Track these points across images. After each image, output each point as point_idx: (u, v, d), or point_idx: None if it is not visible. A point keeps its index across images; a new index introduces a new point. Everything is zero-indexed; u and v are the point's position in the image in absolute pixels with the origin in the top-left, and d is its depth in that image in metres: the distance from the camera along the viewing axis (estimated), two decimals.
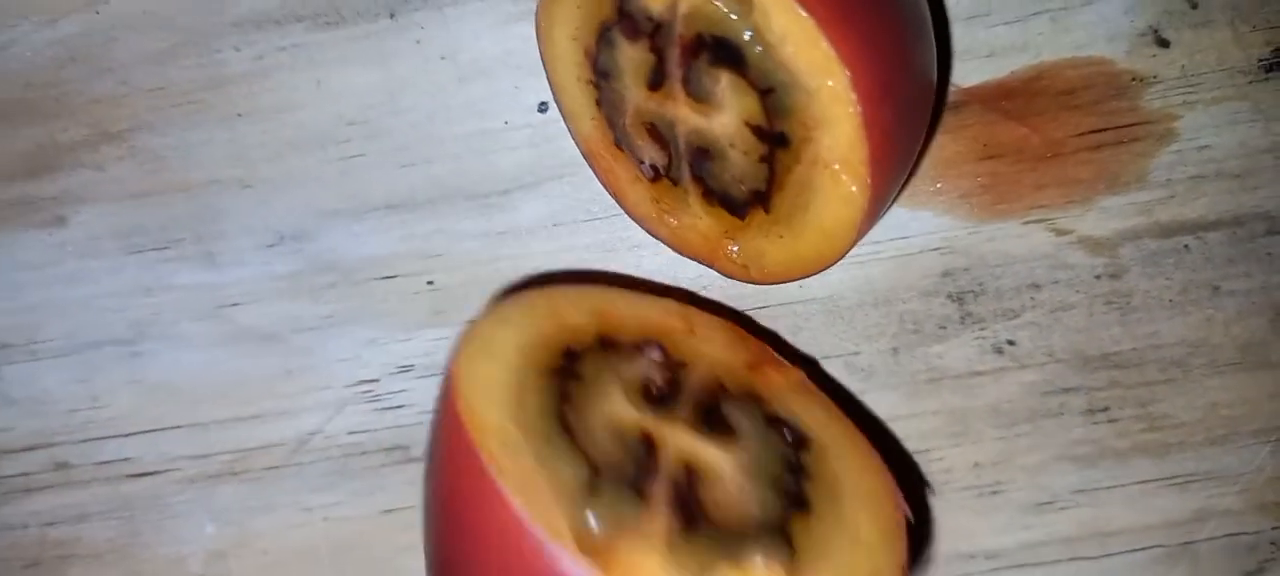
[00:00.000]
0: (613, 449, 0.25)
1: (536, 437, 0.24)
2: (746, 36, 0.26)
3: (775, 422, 0.26)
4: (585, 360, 0.26)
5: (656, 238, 0.32)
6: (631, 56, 0.28)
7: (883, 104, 0.26)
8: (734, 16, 0.26)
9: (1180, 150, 0.33)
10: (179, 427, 0.34)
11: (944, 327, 0.33)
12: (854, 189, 0.27)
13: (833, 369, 0.33)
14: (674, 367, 0.27)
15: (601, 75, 0.29)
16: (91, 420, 0.34)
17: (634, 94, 0.29)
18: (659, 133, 0.29)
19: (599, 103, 0.30)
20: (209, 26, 0.34)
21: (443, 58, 0.34)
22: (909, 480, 0.33)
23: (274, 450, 0.34)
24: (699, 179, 0.30)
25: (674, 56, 0.27)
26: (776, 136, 0.27)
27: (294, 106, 0.34)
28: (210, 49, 0.34)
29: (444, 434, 0.24)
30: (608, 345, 0.27)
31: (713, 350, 0.28)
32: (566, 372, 0.26)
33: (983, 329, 0.33)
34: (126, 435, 0.35)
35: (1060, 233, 0.33)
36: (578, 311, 0.27)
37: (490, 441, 0.23)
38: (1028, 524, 0.32)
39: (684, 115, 0.28)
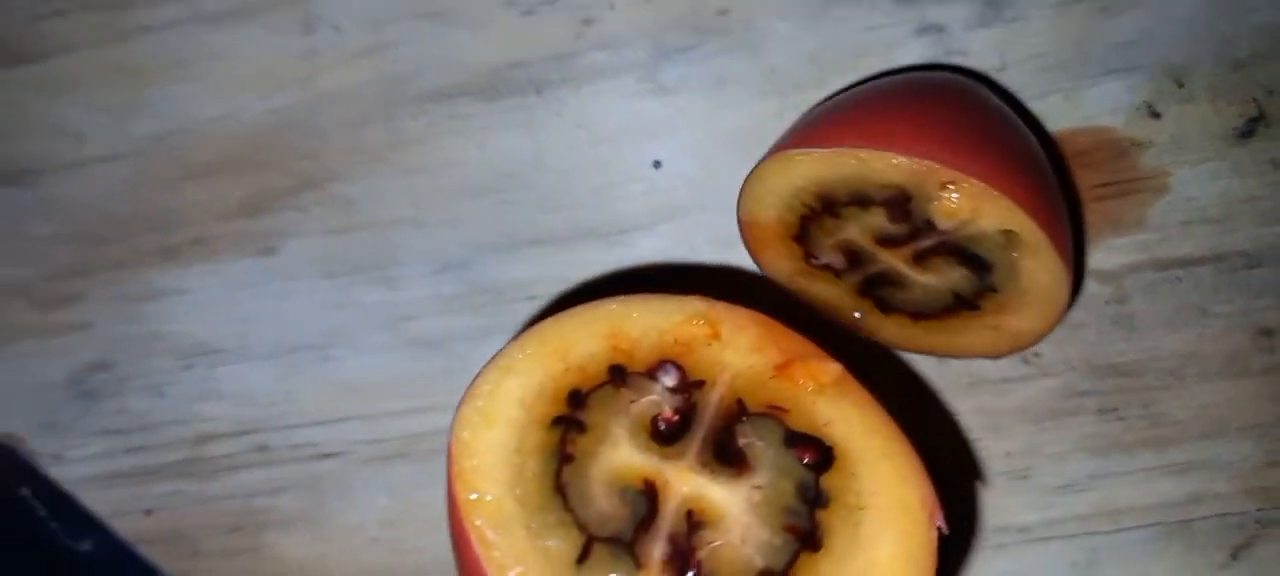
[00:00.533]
0: (611, 507, 0.25)
1: (531, 508, 0.24)
2: (1005, 260, 0.31)
3: (796, 442, 0.26)
4: (592, 402, 0.26)
5: (776, 282, 0.37)
6: (876, 221, 0.32)
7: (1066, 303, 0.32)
8: (1010, 252, 0.31)
9: (1172, 200, 0.38)
10: (359, 417, 0.41)
11: None
12: (1007, 346, 0.34)
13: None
14: (689, 389, 0.26)
15: (827, 209, 0.32)
16: (288, 411, 0.41)
17: (855, 233, 0.33)
18: (853, 253, 0.34)
19: (804, 216, 0.33)
20: (393, 100, 0.42)
21: (578, 126, 0.41)
22: (959, 471, 0.37)
23: (436, 436, 0.40)
24: (867, 283, 0.34)
25: (927, 242, 0.32)
26: (970, 304, 0.33)
27: (459, 163, 0.42)
28: (394, 117, 0.42)
29: (448, 497, 0.25)
30: (619, 375, 0.26)
31: (737, 355, 0.27)
32: (570, 422, 0.25)
33: None
34: (316, 423, 0.41)
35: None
36: (590, 336, 0.26)
37: (481, 519, 0.23)
38: (1051, 503, 0.38)
39: (896, 264, 0.33)
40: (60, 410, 0.41)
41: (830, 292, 0.36)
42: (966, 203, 0.30)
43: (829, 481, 0.25)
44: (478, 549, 0.23)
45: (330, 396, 0.41)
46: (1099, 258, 0.38)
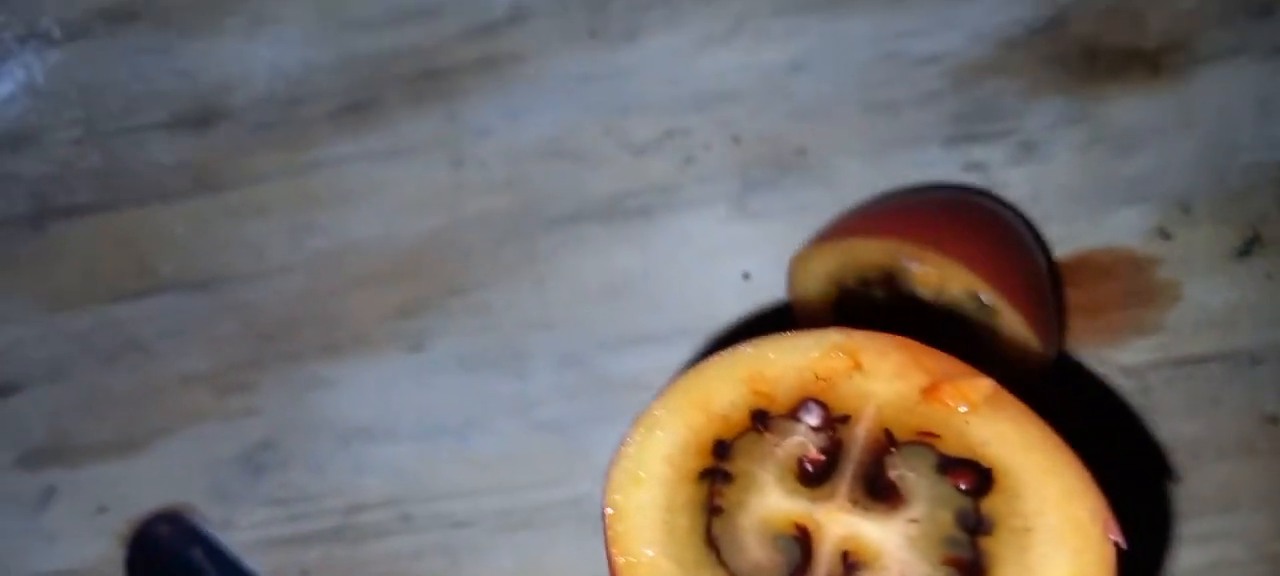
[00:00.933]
0: (765, 556, 0.24)
1: (686, 565, 0.24)
2: (981, 320, 0.37)
3: (950, 467, 0.25)
4: (737, 450, 0.26)
5: None
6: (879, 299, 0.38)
7: (1051, 352, 0.39)
8: (980, 313, 0.37)
9: (1184, 308, 0.45)
10: (491, 491, 0.47)
11: None
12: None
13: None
14: (834, 426, 0.26)
15: (845, 296, 0.39)
16: (429, 485, 0.47)
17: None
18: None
19: (835, 304, 0.40)
20: (527, 222, 0.49)
21: (680, 244, 0.48)
22: (1149, 478, 0.43)
23: (558, 507, 0.47)
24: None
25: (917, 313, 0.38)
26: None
27: (580, 275, 0.48)
28: (527, 237, 0.49)
29: (608, 562, 0.25)
30: (761, 420, 0.26)
31: (881, 384, 0.26)
32: (717, 473, 0.25)
33: None
34: (454, 496, 0.47)
35: (1103, 363, 0.45)
36: (729, 384, 0.26)
37: None
38: None
39: None
40: (231, 483, 0.49)
41: None
42: (934, 273, 0.38)
43: (991, 505, 0.24)
44: None
45: (466, 473, 0.47)
46: (1125, 355, 0.45)
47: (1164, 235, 0.46)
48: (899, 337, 0.26)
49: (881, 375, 0.26)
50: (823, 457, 0.25)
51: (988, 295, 0.38)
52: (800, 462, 0.25)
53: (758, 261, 0.47)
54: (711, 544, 0.24)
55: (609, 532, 0.24)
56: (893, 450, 0.25)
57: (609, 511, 0.24)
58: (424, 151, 0.51)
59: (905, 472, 0.25)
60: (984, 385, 0.25)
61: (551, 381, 0.48)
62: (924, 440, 0.25)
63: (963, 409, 0.25)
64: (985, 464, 0.24)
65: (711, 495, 0.25)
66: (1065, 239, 0.46)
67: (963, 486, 0.24)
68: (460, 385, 0.48)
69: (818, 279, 0.40)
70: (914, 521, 0.24)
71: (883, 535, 0.24)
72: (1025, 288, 0.39)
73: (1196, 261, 0.45)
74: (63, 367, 0.50)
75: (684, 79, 0.50)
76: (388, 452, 0.48)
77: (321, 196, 0.51)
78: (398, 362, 0.49)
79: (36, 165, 0.53)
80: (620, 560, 0.24)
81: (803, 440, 0.26)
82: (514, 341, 0.48)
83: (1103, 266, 0.46)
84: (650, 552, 0.24)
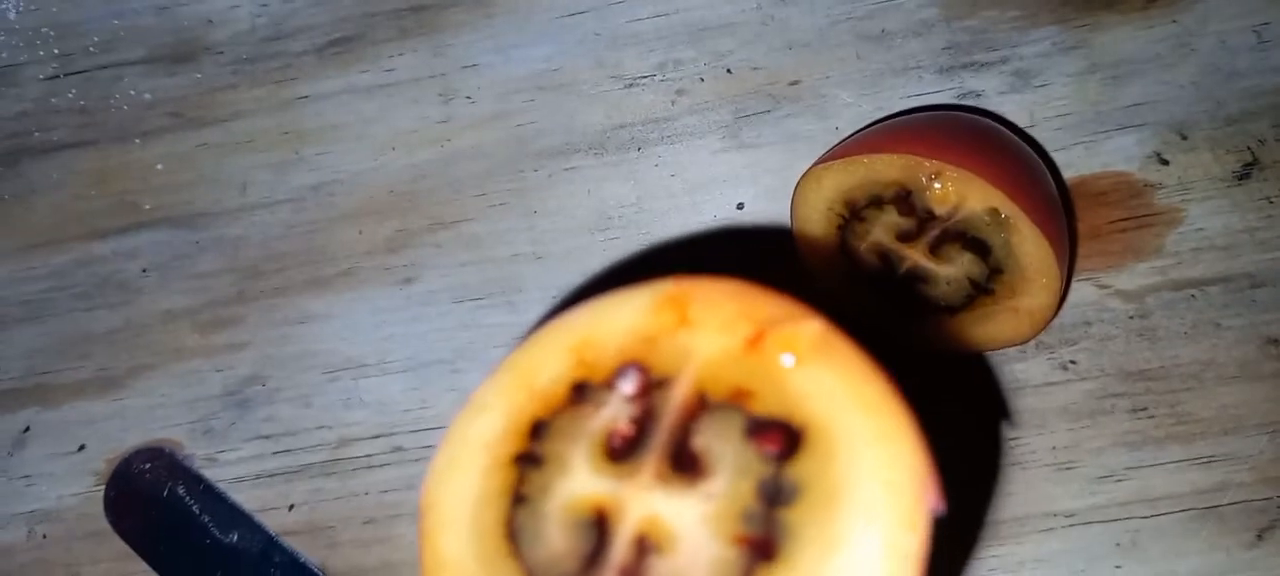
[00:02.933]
0: (561, 546, 0.23)
1: (485, 558, 0.23)
2: (998, 239, 0.37)
3: (758, 430, 0.23)
4: (552, 430, 0.24)
5: (835, 300, 0.42)
6: (891, 220, 0.39)
7: (1065, 281, 0.38)
8: (999, 230, 0.37)
9: (1184, 232, 0.44)
10: None
11: (1024, 353, 0.44)
12: (1028, 329, 0.39)
13: (943, 382, 0.45)
14: (650, 392, 0.24)
15: (856, 216, 0.39)
16: (421, 416, 0.46)
17: (880, 235, 0.39)
18: (886, 256, 0.40)
19: (840, 227, 0.40)
20: (516, 156, 0.49)
21: (672, 176, 0.48)
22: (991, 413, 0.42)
23: None
24: (903, 285, 0.40)
25: (933, 232, 0.38)
26: (986, 288, 0.39)
27: (572, 207, 0.48)
28: (517, 170, 0.49)
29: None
30: (581, 393, 0.24)
31: (706, 338, 0.24)
32: (527, 458, 0.24)
33: (1052, 353, 0.44)
34: (445, 427, 0.47)
35: (1102, 287, 0.44)
36: (556, 355, 0.24)
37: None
38: (1094, 491, 0.42)
39: (920, 259, 0.39)
40: (215, 418, 0.47)
41: (878, 306, 0.41)
42: (952, 188, 0.37)
43: (799, 470, 0.22)
44: None
45: (458, 403, 0.44)
46: (1123, 280, 0.44)
47: (1161, 161, 0.45)
48: (736, 283, 0.24)
49: (706, 328, 0.24)
50: (633, 430, 0.23)
51: (1008, 211, 0.37)
52: (610, 437, 0.24)
53: (751, 192, 0.47)
54: (512, 536, 0.23)
55: (419, 526, 0.23)
56: (704, 414, 0.23)
57: (422, 501, 0.23)
58: (412, 86, 0.50)
59: (711, 441, 0.23)
60: (812, 328, 0.23)
61: (542, 313, 0.46)
62: (736, 402, 0.23)
63: (788, 359, 0.23)
64: (798, 422, 0.22)
65: (519, 482, 0.23)
66: (1063, 166, 0.46)
67: (770, 450, 0.22)
68: (451, 317, 0.46)
69: (827, 198, 0.39)
70: (712, 496, 0.22)
71: (680, 512, 0.22)
72: (1044, 205, 0.38)
73: (1195, 186, 0.45)
74: (40, 306, 0.49)
75: (676, 11, 0.49)
76: (378, 385, 0.46)
77: (307, 132, 0.50)
78: (387, 295, 0.48)
79: (11, 104, 0.52)
80: (425, 555, 0.22)
81: (615, 413, 0.24)
82: (505, 274, 0.47)
83: (1100, 192, 0.45)
84: (452, 549, 0.23)
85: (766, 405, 0.23)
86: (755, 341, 0.23)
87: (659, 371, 0.24)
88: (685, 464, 0.23)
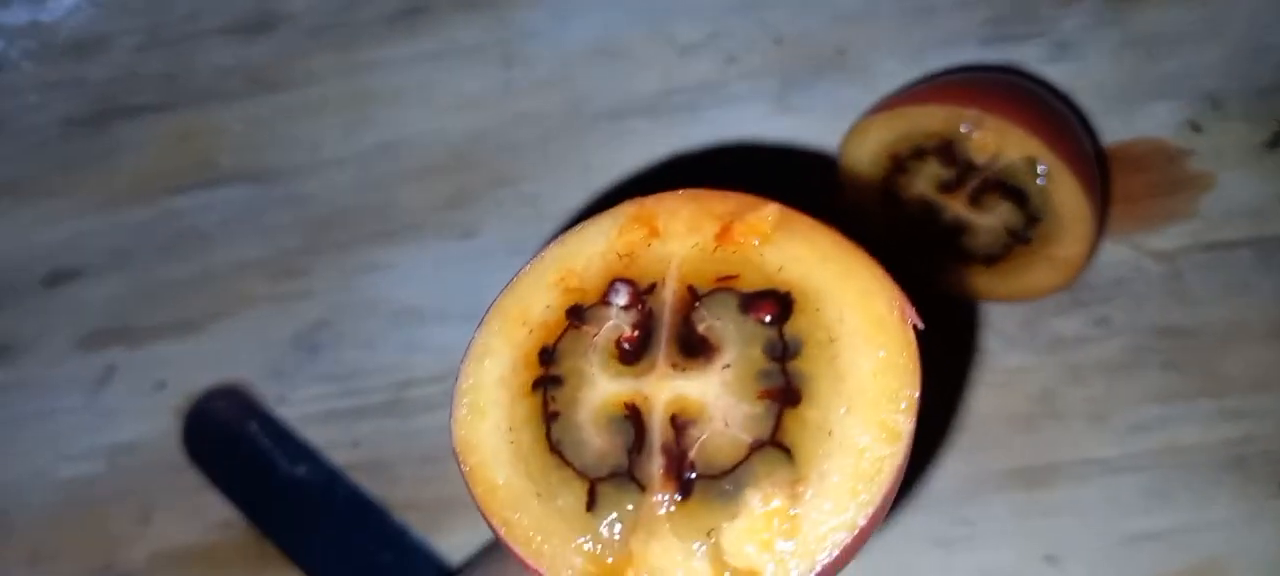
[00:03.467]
0: (605, 444, 0.24)
1: (536, 477, 0.24)
2: (1035, 188, 0.38)
3: (750, 303, 0.25)
4: (560, 352, 0.26)
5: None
6: (933, 171, 0.40)
7: (1099, 230, 0.40)
8: (1035, 179, 0.38)
9: (1216, 196, 0.45)
10: None
11: (1061, 308, 0.45)
12: (1064, 276, 0.41)
13: (982, 335, 0.46)
14: (643, 298, 0.26)
15: (899, 168, 0.41)
16: None
17: (923, 186, 0.41)
18: (929, 207, 0.41)
19: (885, 178, 0.41)
20: (574, 118, 0.51)
21: (723, 138, 0.51)
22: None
23: None
24: (945, 235, 0.42)
25: (974, 182, 0.40)
26: (1023, 237, 0.41)
27: (627, 168, 0.50)
28: (574, 132, 0.51)
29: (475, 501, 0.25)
30: (577, 314, 0.26)
31: (677, 243, 0.26)
32: (547, 380, 0.25)
33: (1088, 309, 0.45)
34: None
35: (1137, 248, 0.45)
36: (541, 290, 0.27)
37: (498, 507, 0.24)
38: (1126, 441, 0.43)
39: (960, 209, 0.41)
40: (285, 361, 0.50)
41: (922, 256, 0.43)
42: (992, 138, 0.39)
43: (796, 327, 0.24)
44: (504, 534, 0.24)
45: None
46: (1156, 241, 0.45)
47: (1195, 128, 0.46)
48: (685, 191, 0.26)
49: (676, 234, 0.26)
50: (637, 333, 0.25)
51: (1046, 160, 0.39)
52: (618, 344, 0.25)
53: (798, 157, 0.48)
54: (555, 449, 0.24)
55: (463, 470, 0.24)
56: (697, 304, 0.25)
57: (457, 448, 0.24)
58: (474, 52, 0.52)
59: (712, 322, 0.25)
60: (769, 211, 0.25)
61: None
62: (724, 285, 0.25)
63: (755, 242, 0.25)
64: (784, 288, 0.25)
65: (546, 403, 0.25)
66: (1101, 133, 0.47)
67: (766, 318, 0.25)
68: (509, 269, 0.47)
69: (872, 151, 0.41)
70: (727, 366, 0.24)
71: (703, 388, 0.24)
72: (1079, 156, 0.39)
73: (1227, 153, 0.46)
74: (124, 256, 0.52)
75: None
76: (438, 332, 0.48)
77: (375, 95, 0.52)
78: (448, 248, 0.50)
79: (101, 70, 0.55)
80: (478, 492, 0.24)
81: (616, 322, 0.26)
82: (559, 228, 0.49)
83: (1136, 158, 0.47)
84: (502, 478, 0.24)
85: (751, 282, 0.25)
86: (723, 234, 0.26)
87: (645, 279, 0.26)
88: (694, 348, 0.25)
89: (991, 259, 0.41)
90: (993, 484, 0.43)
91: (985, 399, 0.43)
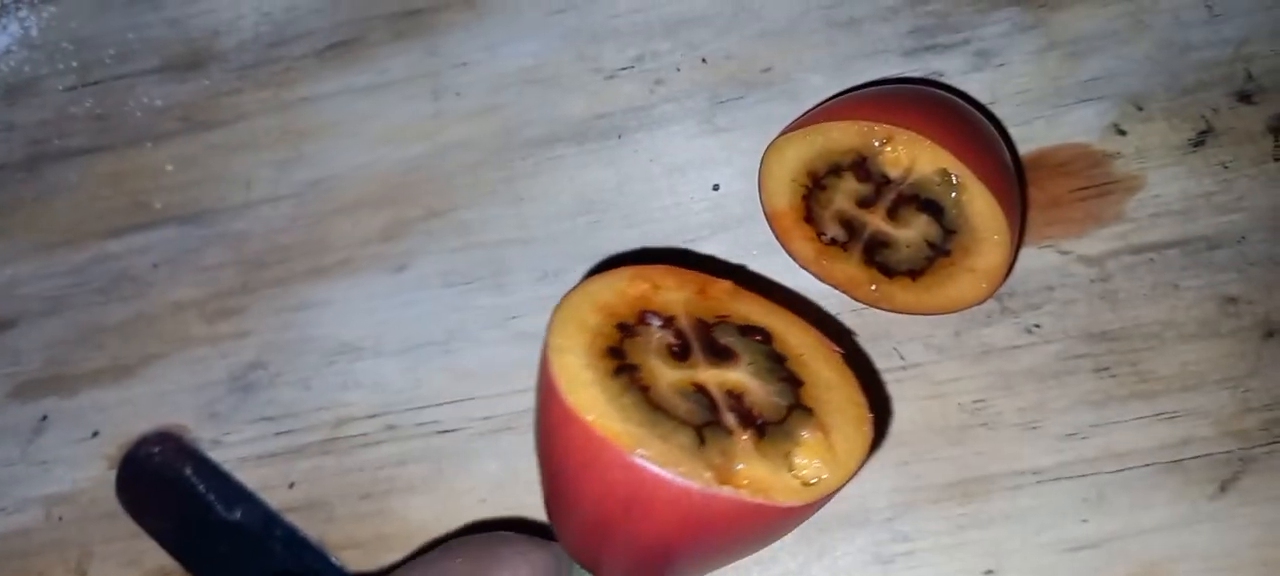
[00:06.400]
0: (689, 406, 0.30)
1: (649, 425, 0.29)
2: (950, 200, 0.37)
3: (746, 330, 0.32)
4: (626, 351, 0.31)
5: (807, 271, 0.43)
6: (851, 187, 0.39)
7: (1017, 239, 0.38)
8: (950, 191, 0.37)
9: (1142, 198, 0.44)
10: (474, 399, 0.46)
11: (990, 317, 0.43)
12: (985, 287, 0.39)
13: (912, 347, 0.44)
14: (670, 323, 0.32)
15: (818, 186, 0.40)
16: (414, 396, 0.46)
17: (841, 203, 0.40)
18: (849, 224, 0.40)
19: (805, 196, 0.40)
20: (504, 146, 0.49)
21: (651, 160, 0.48)
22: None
23: None
24: (867, 252, 0.40)
25: (890, 196, 0.39)
26: (943, 249, 0.39)
27: (556, 193, 0.48)
28: (504, 160, 0.49)
29: (590, 450, 0.28)
30: (627, 330, 0.32)
31: (675, 295, 0.33)
32: (626, 367, 0.30)
33: (1017, 317, 0.43)
34: (438, 404, 0.46)
35: (1064, 253, 0.44)
36: (591, 313, 0.32)
37: (629, 442, 0.28)
38: (1060, 449, 0.41)
39: (880, 224, 0.40)
40: (221, 403, 0.47)
41: (846, 270, 0.41)
42: (904, 152, 0.37)
43: (778, 346, 0.33)
44: (643, 455, 0.28)
45: (450, 382, 0.46)
46: (1084, 245, 0.43)
47: (1119, 131, 0.45)
48: (664, 267, 0.34)
49: (670, 288, 0.34)
50: (677, 343, 0.32)
51: (957, 172, 0.37)
52: (667, 348, 0.32)
53: (726, 173, 0.47)
54: (655, 407, 0.30)
55: (591, 430, 0.28)
56: (711, 328, 0.33)
57: (589, 420, 0.28)
58: (405, 84, 0.50)
59: (725, 339, 0.33)
60: (725, 285, 0.34)
61: (530, 294, 0.47)
62: (722, 320, 0.33)
63: (727, 298, 0.34)
64: (760, 326, 0.33)
65: (631, 381, 0.30)
66: (1024, 139, 0.45)
67: (758, 339, 0.33)
68: (443, 300, 0.47)
69: (791, 169, 0.40)
70: (749, 364, 0.32)
71: (738, 376, 0.32)
72: (992, 167, 0.37)
73: (1152, 154, 0.44)
74: (58, 302, 0.49)
75: (653, 6, 0.49)
76: (373, 367, 0.47)
77: (307, 130, 0.50)
78: (382, 282, 0.48)
79: (32, 113, 0.53)
80: (618, 445, 0.28)
81: (661, 334, 0.32)
82: (494, 257, 0.47)
83: (1061, 162, 0.45)
84: (619, 427, 0.29)
85: (739, 319, 0.33)
86: (701, 292, 0.34)
87: (665, 313, 0.33)
88: (720, 354, 0.32)
89: (915, 272, 0.39)
90: (929, 497, 0.40)
91: (918, 412, 0.41)
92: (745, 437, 0.30)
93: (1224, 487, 0.40)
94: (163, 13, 0.52)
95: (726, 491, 0.28)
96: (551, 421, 0.30)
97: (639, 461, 0.27)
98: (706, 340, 0.32)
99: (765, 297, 0.34)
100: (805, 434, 0.30)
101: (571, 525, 0.31)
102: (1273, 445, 0.40)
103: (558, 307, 0.31)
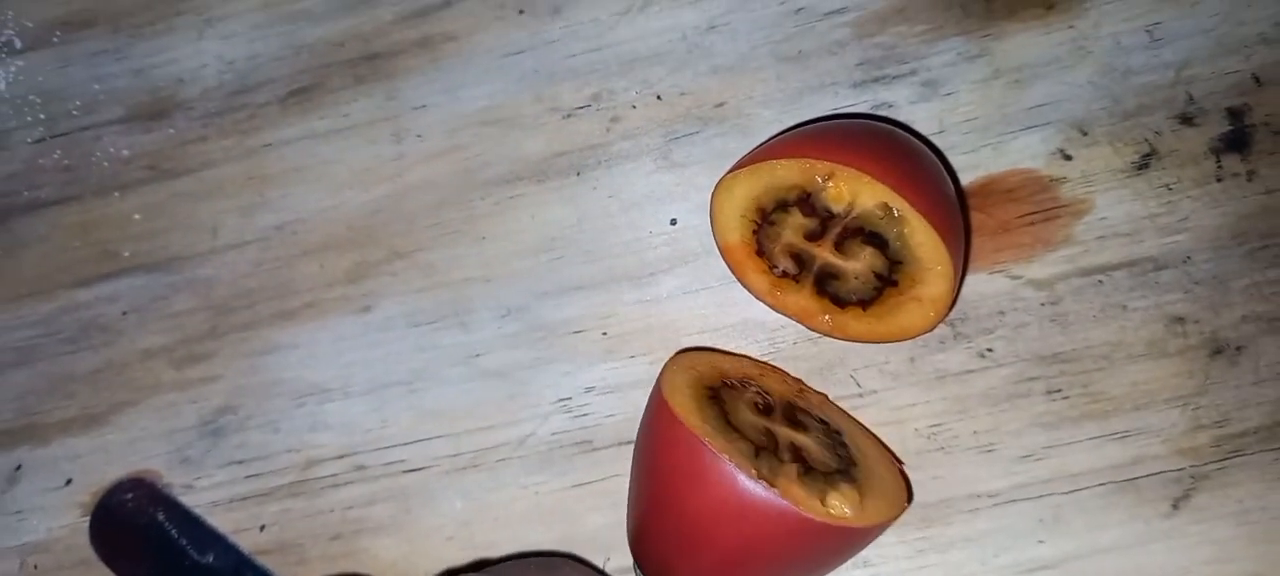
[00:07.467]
0: (756, 435, 0.36)
1: (724, 435, 0.35)
2: (893, 232, 0.38)
3: (821, 421, 0.39)
4: (722, 393, 0.38)
5: (763, 303, 0.43)
6: (798, 221, 0.40)
7: (962, 267, 0.39)
8: (892, 224, 0.38)
9: (1089, 221, 0.44)
10: (440, 437, 0.46)
11: (944, 343, 0.44)
12: (933, 315, 0.39)
13: (868, 374, 0.44)
14: (764, 395, 0.39)
15: (767, 221, 0.40)
16: (381, 436, 0.46)
17: (790, 237, 0.40)
18: (799, 257, 0.41)
19: (755, 231, 0.40)
20: (466, 186, 0.49)
21: (610, 196, 0.48)
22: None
23: (502, 448, 0.45)
24: (818, 283, 0.41)
25: (835, 230, 0.39)
26: (890, 280, 0.39)
27: (517, 231, 0.48)
28: (466, 200, 0.49)
29: (685, 450, 0.35)
30: (728, 384, 0.39)
31: (776, 385, 0.41)
32: (719, 400, 0.37)
33: (970, 342, 0.44)
34: (405, 444, 0.46)
35: (1014, 278, 0.44)
36: (706, 366, 0.39)
37: (718, 445, 0.34)
38: (1015, 471, 0.42)
39: (827, 257, 0.40)
40: (192, 448, 0.47)
41: (799, 301, 0.41)
42: (846, 187, 0.38)
43: (843, 439, 0.40)
44: (719, 446, 0.35)
45: (416, 421, 0.46)
46: (1033, 270, 0.44)
47: (1065, 156, 0.45)
48: (777, 368, 0.44)
49: (773, 381, 0.42)
50: (765, 405, 0.39)
51: (897, 205, 0.37)
52: (754, 404, 0.38)
53: (683, 208, 0.47)
54: (734, 428, 0.37)
55: (690, 425, 0.35)
56: (795, 409, 0.39)
57: (673, 404, 0.36)
58: (367, 128, 0.50)
59: (806, 420, 0.39)
60: (820, 396, 0.43)
61: (494, 331, 0.46)
62: (807, 411, 0.39)
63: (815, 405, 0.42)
64: (834, 424, 0.40)
65: (720, 410, 0.38)
66: (971, 167, 0.45)
67: (833, 431, 0.40)
68: (408, 340, 0.46)
69: (740, 205, 0.40)
70: (816, 438, 0.38)
71: (804, 438, 0.37)
72: (932, 199, 0.37)
73: (1098, 178, 0.45)
74: (28, 352, 0.49)
75: (608, 45, 0.49)
76: (341, 408, 0.47)
77: (271, 175, 0.50)
78: (348, 323, 0.48)
79: (1, 166, 0.52)
80: (707, 440, 0.35)
81: (752, 394, 0.39)
82: (457, 297, 0.47)
83: (1009, 188, 0.45)
84: (707, 436, 0.36)
85: (820, 413, 0.41)
86: (799, 393, 0.42)
87: (763, 389, 0.40)
88: (796, 424, 0.38)
89: (866, 302, 0.39)
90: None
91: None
92: (793, 468, 0.35)
93: (1177, 505, 0.40)
94: (126, 64, 0.52)
95: (765, 487, 0.34)
96: (655, 429, 0.37)
97: (722, 460, 0.34)
98: (788, 413, 0.38)
99: (852, 417, 0.42)
100: (843, 486, 0.35)
101: (656, 529, 0.37)
102: (1223, 462, 0.40)
103: (674, 356, 0.40)
